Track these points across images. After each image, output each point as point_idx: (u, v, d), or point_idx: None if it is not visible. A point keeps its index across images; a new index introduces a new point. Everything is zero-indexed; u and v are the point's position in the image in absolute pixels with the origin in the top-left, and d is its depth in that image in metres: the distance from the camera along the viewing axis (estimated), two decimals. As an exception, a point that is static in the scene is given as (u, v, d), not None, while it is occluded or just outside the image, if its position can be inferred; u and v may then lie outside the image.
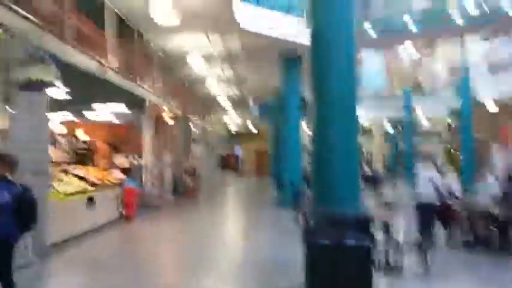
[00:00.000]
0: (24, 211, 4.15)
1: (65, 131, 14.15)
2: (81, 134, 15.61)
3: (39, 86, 6.02)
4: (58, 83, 6.33)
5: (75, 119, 14.21)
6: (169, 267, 7.34)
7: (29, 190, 4.33)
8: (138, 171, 13.68)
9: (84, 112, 13.80)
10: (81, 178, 9.48)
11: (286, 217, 11.76)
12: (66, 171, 9.63)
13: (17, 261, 6.02)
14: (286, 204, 13.34)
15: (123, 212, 10.94)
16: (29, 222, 4.27)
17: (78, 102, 12.75)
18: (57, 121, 13.87)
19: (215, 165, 35.50)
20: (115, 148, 16.13)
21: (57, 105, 13.18)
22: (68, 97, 11.21)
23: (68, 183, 8.68)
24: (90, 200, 9.13)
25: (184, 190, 18.33)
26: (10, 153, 4.94)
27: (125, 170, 13.19)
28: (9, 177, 4.24)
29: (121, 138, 16.66)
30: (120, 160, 14.65)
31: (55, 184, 8.04)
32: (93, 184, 9.60)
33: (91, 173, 10.40)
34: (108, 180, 10.65)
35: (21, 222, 4.18)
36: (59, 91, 10.46)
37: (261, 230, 10.37)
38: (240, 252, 8.05)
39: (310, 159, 5.68)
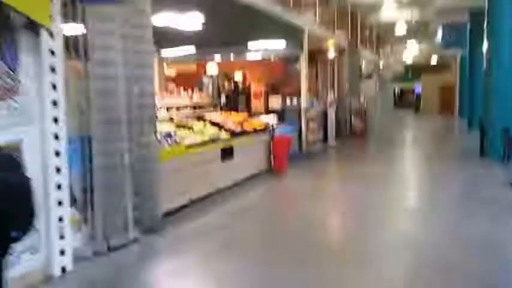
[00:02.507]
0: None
1: (213, 71, 12.93)
2: (234, 75, 14.29)
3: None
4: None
5: (224, 58, 12.82)
6: (336, 255, 4.80)
7: (12, 162, 2.34)
8: (295, 114, 11.69)
9: (234, 48, 12.25)
10: (218, 125, 7.85)
11: (493, 175, 8.45)
12: (201, 118, 8.13)
13: (112, 241, 4.65)
14: (493, 156, 9.90)
15: (272, 164, 9.13)
16: (15, 222, 2.29)
17: (226, 36, 11.20)
18: (209, 60, 12.66)
19: (390, 104, 31.65)
20: (272, 88, 14.46)
21: (201, 41, 11.94)
22: (205, 28, 9.70)
23: (199, 132, 7.10)
24: (227, 151, 7.46)
25: (350, 134, 15.86)
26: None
27: (279, 113, 11.35)
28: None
29: (277, 77, 14.88)
30: (275, 102, 12.87)
31: (178, 134, 6.50)
32: (232, 132, 7.88)
33: (233, 118, 8.72)
34: (254, 127, 8.84)
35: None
36: (193, 20, 8.91)
37: (459, 194, 7.34)
38: (434, 239, 5.13)
39: None
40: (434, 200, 7.10)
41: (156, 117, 5.64)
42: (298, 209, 6.70)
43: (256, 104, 13.94)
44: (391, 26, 19.53)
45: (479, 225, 5.55)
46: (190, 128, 7.24)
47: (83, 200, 4.50)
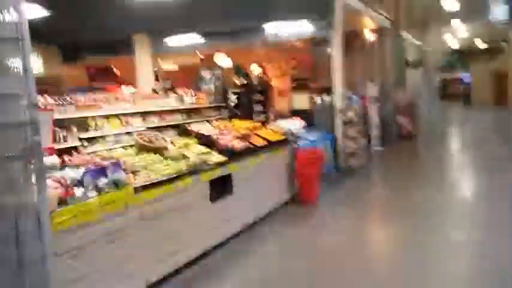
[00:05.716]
0: None
1: (222, 62, 10.24)
2: (249, 67, 11.53)
3: None
4: None
5: (235, 46, 10.07)
6: None
7: None
8: (326, 116, 8.83)
9: (247, 33, 9.52)
10: (209, 142, 5.11)
11: None
12: (186, 131, 5.43)
13: None
14: None
15: (296, 192, 6.34)
16: None
17: (236, 14, 8.45)
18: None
19: (435, 96, 28.00)
20: (299, 84, 11.66)
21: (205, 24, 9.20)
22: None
23: (173, 158, 4.40)
24: (221, 184, 4.72)
25: (398, 137, 12.80)
26: None
27: (306, 116, 8.53)
28: None
29: (305, 68, 12.05)
30: (301, 101, 10.08)
31: (130, 165, 3.80)
32: (231, 152, 5.13)
33: (236, 128, 5.97)
34: (268, 139, 6.06)
35: None
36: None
37: None
38: None
39: None
40: None
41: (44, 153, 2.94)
42: (340, 272, 3.75)
43: (282, 104, 11.30)
44: (439, 4, 16.20)
45: None
46: (161, 150, 4.54)
47: None
